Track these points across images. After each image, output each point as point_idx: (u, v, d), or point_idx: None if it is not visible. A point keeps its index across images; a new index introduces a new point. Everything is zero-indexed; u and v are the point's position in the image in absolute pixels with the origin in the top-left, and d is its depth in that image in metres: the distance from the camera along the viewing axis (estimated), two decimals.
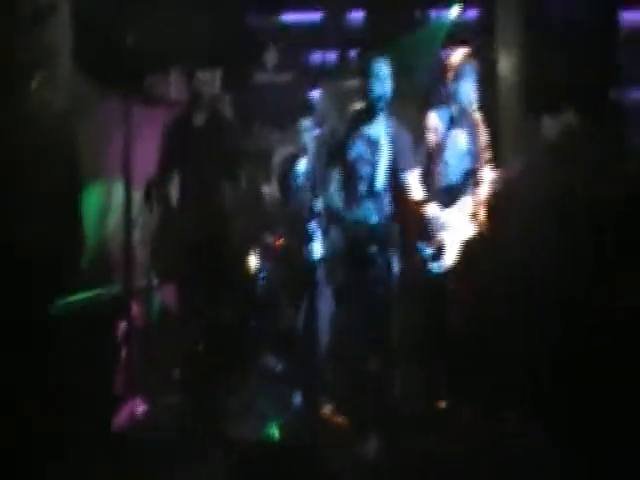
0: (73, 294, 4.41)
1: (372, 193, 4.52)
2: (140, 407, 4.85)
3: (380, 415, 4.48)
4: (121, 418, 4.72)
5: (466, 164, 4.68)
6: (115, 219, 5.40)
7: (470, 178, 4.66)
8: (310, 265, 5.33)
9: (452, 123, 4.68)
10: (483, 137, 4.66)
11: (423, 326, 4.87)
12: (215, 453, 4.29)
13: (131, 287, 5.10)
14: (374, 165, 4.51)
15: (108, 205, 5.41)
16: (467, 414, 4.64)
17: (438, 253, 4.60)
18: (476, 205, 4.61)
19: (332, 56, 7.62)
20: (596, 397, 4.02)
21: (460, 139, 4.67)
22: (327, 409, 5.05)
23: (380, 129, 4.51)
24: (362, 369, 4.56)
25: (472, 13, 6.63)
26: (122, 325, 5.13)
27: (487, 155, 4.67)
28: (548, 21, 5.31)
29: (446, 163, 4.69)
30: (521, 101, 5.42)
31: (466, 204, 4.64)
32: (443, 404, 4.73)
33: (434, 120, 4.73)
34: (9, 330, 2.91)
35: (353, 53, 7.48)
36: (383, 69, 4.51)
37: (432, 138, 4.70)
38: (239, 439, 4.38)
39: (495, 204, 4.64)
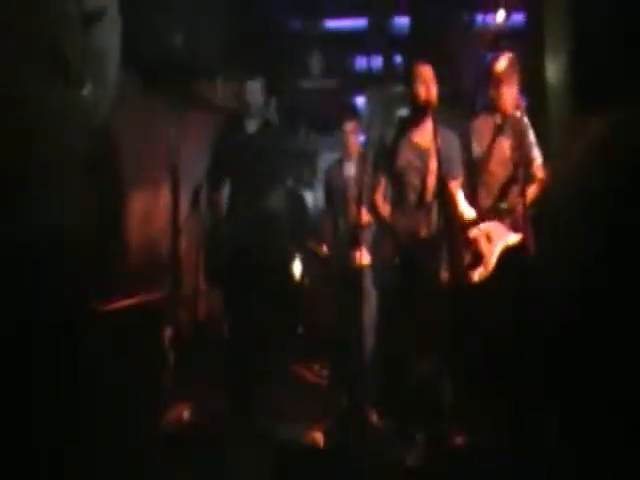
0: (119, 298, 4.45)
1: (420, 201, 4.49)
2: (186, 411, 4.89)
3: (427, 420, 4.45)
4: (167, 422, 4.76)
5: (511, 172, 4.62)
6: (160, 224, 5.45)
7: (515, 186, 4.60)
8: (355, 272, 5.34)
9: (497, 130, 4.64)
10: (529, 145, 4.60)
11: (466, 332, 4.83)
12: (258, 456, 4.32)
13: (178, 292, 5.15)
14: (421, 172, 4.48)
15: (153, 209, 5.46)
16: (510, 419, 4.59)
17: (476, 262, 4.55)
18: (522, 213, 4.55)
19: (378, 62, 7.64)
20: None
21: (504, 146, 4.62)
22: (372, 413, 5.07)
23: (427, 136, 4.48)
24: (408, 374, 4.53)
25: (518, 17, 6.59)
26: (168, 330, 5.19)
27: (534, 163, 4.62)
28: (596, 24, 5.23)
29: (491, 172, 4.64)
30: (568, 105, 5.36)
31: (511, 213, 4.59)
32: (486, 408, 4.68)
33: (479, 127, 4.69)
34: (53, 333, 2.93)
35: (399, 59, 7.48)
36: (428, 72, 4.47)
37: (478, 146, 4.66)
38: (283, 442, 4.38)
39: (542, 211, 4.58)
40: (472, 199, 4.63)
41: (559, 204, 4.63)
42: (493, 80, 4.60)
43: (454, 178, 4.50)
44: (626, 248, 4.59)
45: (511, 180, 4.58)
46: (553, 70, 5.57)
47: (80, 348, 3.06)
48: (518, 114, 4.55)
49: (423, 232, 4.45)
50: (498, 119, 4.62)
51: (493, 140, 4.59)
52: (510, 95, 4.55)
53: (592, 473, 3.67)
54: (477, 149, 4.63)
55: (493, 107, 4.65)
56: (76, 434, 3.05)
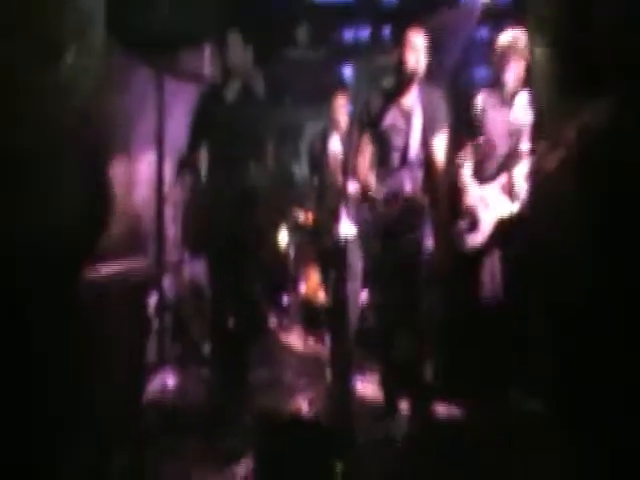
0: (104, 266, 4.44)
1: (403, 160, 4.48)
2: (171, 378, 4.91)
3: (410, 392, 4.49)
4: (152, 388, 4.78)
5: (509, 143, 4.64)
6: (142, 191, 5.43)
7: (512, 157, 4.62)
8: (340, 241, 5.36)
9: (498, 102, 4.64)
10: (527, 118, 4.62)
11: (453, 303, 4.87)
12: (243, 425, 4.35)
13: (163, 260, 5.16)
14: (408, 134, 4.48)
15: (138, 178, 5.44)
16: (497, 393, 4.64)
17: (472, 228, 4.58)
18: (515, 184, 4.57)
19: (365, 33, 7.60)
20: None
21: (505, 119, 4.63)
22: (355, 383, 5.11)
23: (414, 99, 4.47)
24: (393, 346, 4.56)
25: None
26: (153, 298, 5.20)
27: (531, 136, 4.63)
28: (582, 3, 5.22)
29: (488, 140, 4.66)
30: (559, 85, 5.36)
31: (505, 182, 4.61)
32: (473, 383, 4.72)
33: (483, 101, 4.70)
34: (38, 300, 2.93)
35: (386, 31, 7.45)
36: (419, 41, 4.46)
37: (475, 115, 4.68)
38: (267, 412, 4.42)
39: (535, 184, 4.60)
40: (476, 169, 4.65)
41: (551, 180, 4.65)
42: (496, 54, 4.61)
43: (439, 133, 4.48)
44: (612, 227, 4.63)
45: (513, 152, 4.60)
46: (539, 47, 5.57)
47: (65, 315, 3.05)
48: (520, 91, 4.57)
49: (407, 189, 4.43)
50: (502, 93, 4.63)
51: (497, 113, 4.61)
52: (514, 70, 4.55)
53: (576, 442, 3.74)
54: (481, 121, 4.65)
55: (496, 81, 4.66)
56: (61, 402, 3.06)
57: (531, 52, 5.58)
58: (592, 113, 4.34)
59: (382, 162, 4.55)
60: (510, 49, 4.53)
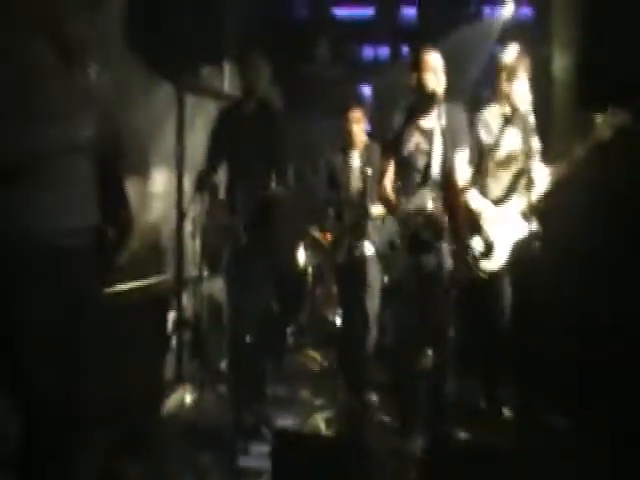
0: (122, 282, 4.45)
1: (424, 179, 4.46)
2: (188, 395, 4.91)
3: (428, 412, 4.46)
4: (170, 404, 4.78)
5: (518, 164, 4.63)
6: (160, 207, 5.44)
7: (521, 177, 4.60)
8: (359, 262, 5.34)
9: (505, 122, 4.63)
10: (535, 138, 4.61)
11: (471, 323, 4.84)
12: (260, 442, 4.34)
13: (182, 277, 5.16)
14: (429, 155, 4.46)
15: (157, 194, 5.45)
16: (513, 412, 4.62)
17: (487, 250, 4.57)
18: (527, 204, 4.56)
19: (385, 51, 7.63)
20: None
21: (512, 138, 4.62)
22: (373, 403, 5.09)
23: (435, 119, 4.45)
24: (411, 365, 4.54)
25: (526, 10, 6.59)
26: (172, 314, 5.20)
27: (539, 155, 4.63)
28: (604, 18, 5.21)
29: (498, 161, 4.65)
30: (575, 100, 5.35)
31: (517, 203, 4.60)
32: (491, 402, 4.70)
33: (487, 118, 4.68)
34: (57, 314, 2.92)
35: (405, 49, 7.48)
36: (435, 61, 4.45)
37: (485, 135, 4.66)
38: (284, 429, 4.40)
39: (546, 204, 4.59)
40: (482, 188, 4.64)
41: (562, 200, 4.64)
42: (503, 72, 4.60)
43: (460, 150, 4.45)
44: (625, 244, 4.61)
45: (521, 171, 4.59)
46: (560, 65, 5.56)
47: (84, 331, 3.04)
48: (526, 110, 4.55)
49: (429, 207, 4.40)
50: (507, 110, 4.62)
51: (501, 131, 4.59)
52: (519, 88, 4.55)
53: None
54: (485, 139, 4.63)
55: (501, 99, 4.65)
56: (79, 416, 3.04)
57: (552, 69, 5.61)
58: (608, 129, 4.34)
59: (405, 182, 4.53)
60: (516, 66, 4.53)
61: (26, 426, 2.82)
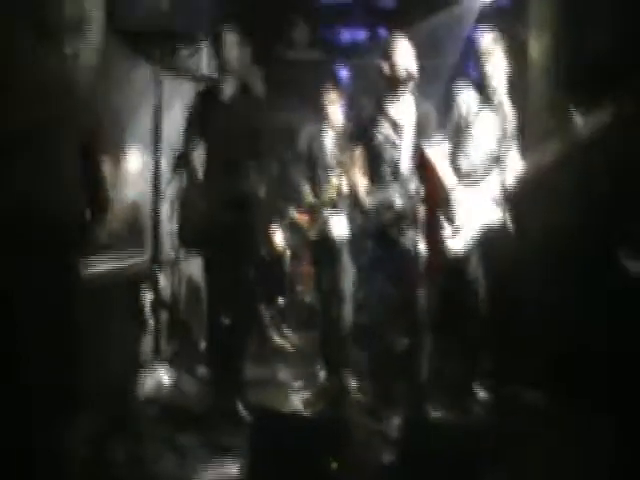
0: (99, 262, 4.44)
1: (395, 174, 4.50)
2: (166, 375, 4.91)
3: (405, 391, 4.50)
4: (147, 385, 4.77)
5: (493, 147, 4.63)
6: (138, 188, 5.41)
7: (496, 162, 4.61)
8: (333, 243, 5.37)
9: (481, 105, 4.64)
10: (511, 122, 4.62)
11: (443, 305, 4.87)
12: (238, 422, 4.35)
13: (158, 258, 5.15)
14: (398, 147, 4.49)
15: (134, 174, 5.42)
16: (486, 391, 4.66)
17: (457, 232, 4.57)
18: (500, 189, 4.57)
19: (362, 34, 7.62)
20: None
21: (488, 122, 4.63)
22: (349, 383, 5.12)
23: (406, 109, 4.48)
24: (384, 346, 4.58)
25: None
26: (149, 295, 5.19)
27: (514, 140, 4.64)
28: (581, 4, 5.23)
29: (473, 145, 4.65)
30: (552, 85, 5.37)
31: (490, 187, 4.61)
32: (468, 381, 4.74)
33: (463, 101, 4.69)
34: (32, 294, 2.92)
35: (383, 32, 7.47)
36: (407, 46, 4.46)
37: (460, 118, 4.67)
38: (262, 409, 4.42)
39: (520, 190, 4.60)
40: (454, 165, 4.65)
41: (538, 185, 4.65)
42: (480, 55, 4.61)
43: (430, 142, 4.48)
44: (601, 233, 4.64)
45: (495, 156, 4.60)
46: (537, 48, 5.58)
47: (60, 309, 3.05)
48: (502, 93, 4.57)
49: (397, 204, 4.45)
50: (483, 94, 4.63)
51: (477, 114, 4.60)
52: (496, 71, 4.55)
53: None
54: (462, 119, 4.64)
55: (478, 82, 4.66)
56: (55, 397, 3.05)
57: (529, 52, 5.63)
58: (588, 130, 4.34)
59: (374, 174, 4.56)
60: (493, 51, 4.54)
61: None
